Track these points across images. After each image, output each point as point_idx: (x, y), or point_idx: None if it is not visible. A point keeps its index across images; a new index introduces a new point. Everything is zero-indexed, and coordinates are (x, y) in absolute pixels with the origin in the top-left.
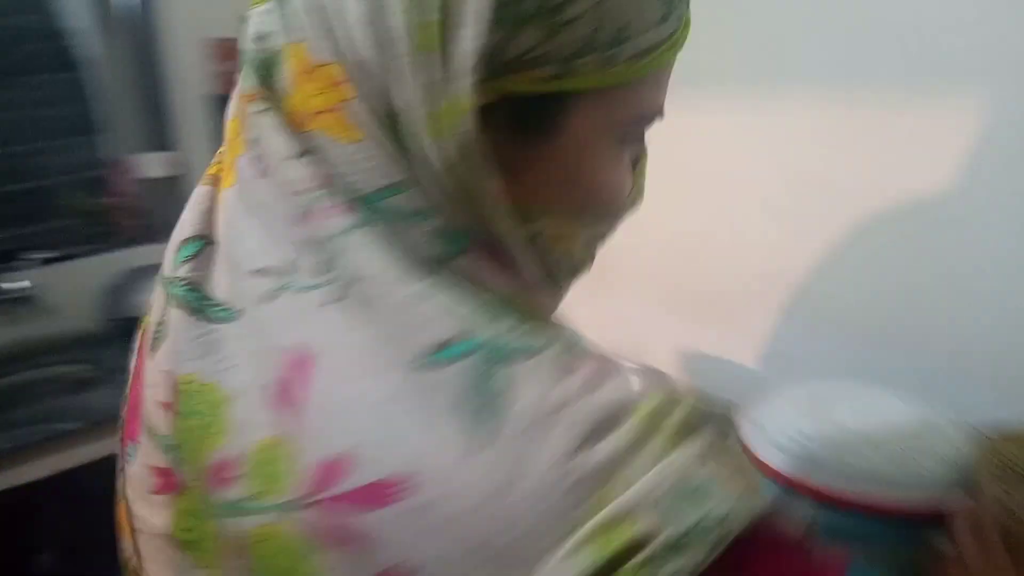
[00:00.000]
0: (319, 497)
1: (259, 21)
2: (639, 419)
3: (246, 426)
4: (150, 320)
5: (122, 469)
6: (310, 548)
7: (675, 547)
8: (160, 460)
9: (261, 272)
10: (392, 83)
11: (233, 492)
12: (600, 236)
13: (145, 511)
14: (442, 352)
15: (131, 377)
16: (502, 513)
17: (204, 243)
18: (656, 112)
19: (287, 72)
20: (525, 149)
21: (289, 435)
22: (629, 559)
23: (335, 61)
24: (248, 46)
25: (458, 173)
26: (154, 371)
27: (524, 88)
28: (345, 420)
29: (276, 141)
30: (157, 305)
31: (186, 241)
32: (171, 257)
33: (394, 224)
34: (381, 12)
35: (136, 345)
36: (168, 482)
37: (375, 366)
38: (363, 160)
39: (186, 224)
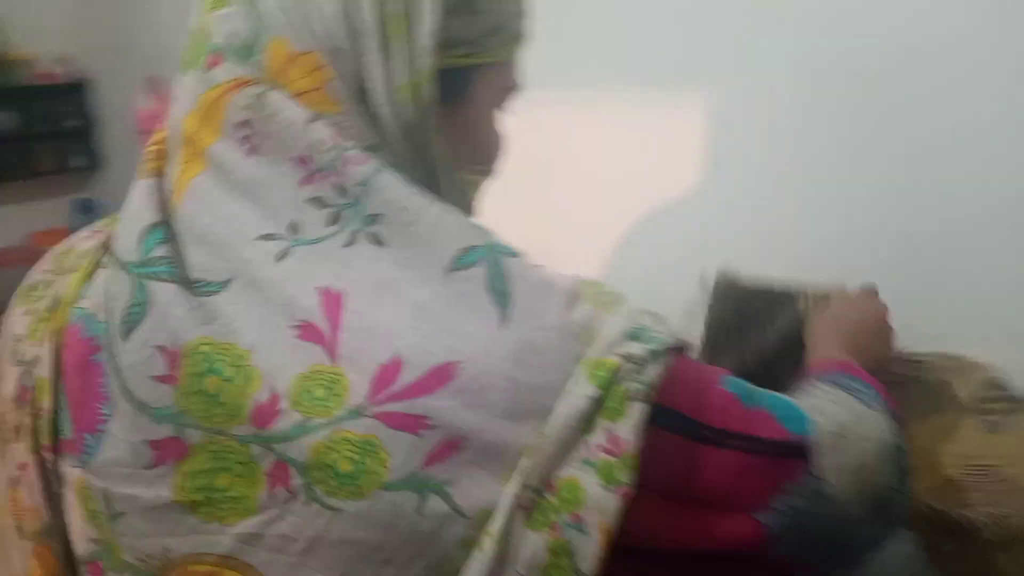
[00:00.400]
0: (379, 398)
1: (228, 20)
2: (588, 294)
3: (276, 368)
4: (83, 307)
5: (54, 473)
6: (377, 441)
7: (644, 364)
8: (156, 433)
9: (265, 237)
10: (364, 65)
11: (283, 423)
12: (482, 186)
13: (133, 490)
14: (466, 256)
15: (55, 377)
16: (526, 373)
17: (167, 228)
18: (518, 85)
19: (270, 61)
20: (447, 114)
21: (322, 360)
22: (618, 379)
23: (314, 50)
24: (221, 42)
25: (415, 135)
26: (135, 350)
27: (449, 62)
28: (383, 334)
29: (291, 111)
30: (120, 293)
31: (151, 228)
32: (134, 245)
33: (393, 170)
34: (355, 6)
35: (45, 349)
36: (170, 451)
37: (411, 280)
38: (347, 128)
39: (142, 214)
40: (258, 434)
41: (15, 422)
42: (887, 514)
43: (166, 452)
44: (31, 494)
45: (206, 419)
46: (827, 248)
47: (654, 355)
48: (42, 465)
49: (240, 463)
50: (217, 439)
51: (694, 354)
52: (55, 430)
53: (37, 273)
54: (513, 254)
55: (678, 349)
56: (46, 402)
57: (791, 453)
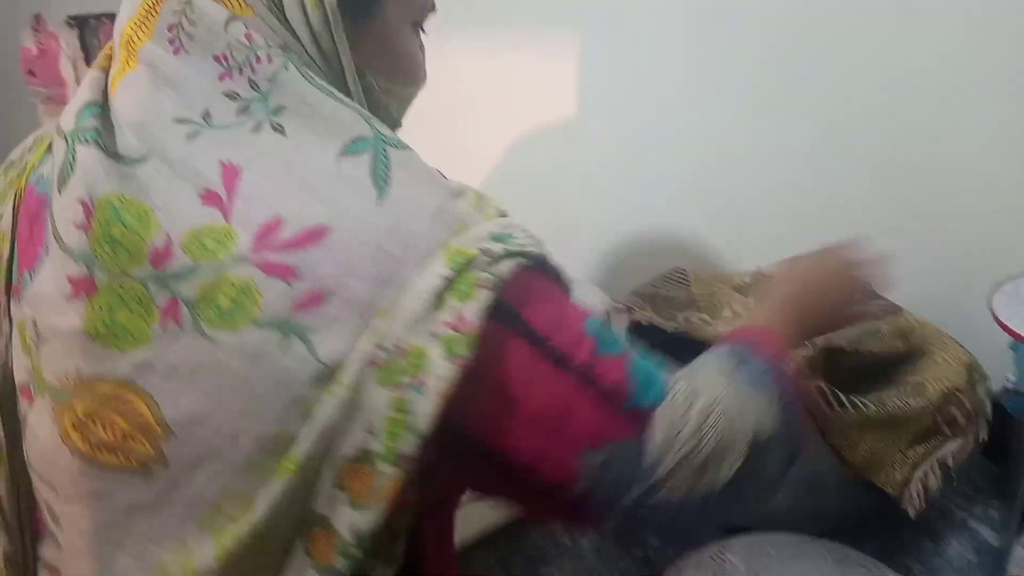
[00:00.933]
0: (258, 249)
1: None
2: (473, 197)
3: (174, 221)
4: (40, 172)
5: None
6: (253, 284)
7: (498, 260)
8: (74, 270)
9: (181, 121)
10: None
11: (176, 265)
12: (406, 100)
13: (55, 318)
14: (356, 144)
15: (13, 229)
16: (393, 243)
17: (102, 108)
18: (432, 5)
19: None
20: (356, 26)
21: (217, 220)
22: (472, 267)
23: None
24: None
25: (323, 40)
26: (65, 201)
27: None
28: (273, 198)
29: (213, 11)
30: (57, 155)
31: (87, 104)
32: (73, 116)
33: (298, 67)
34: None
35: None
36: (82, 287)
37: (302, 162)
38: (259, 30)
39: (85, 93)
40: (154, 274)
41: None
42: (715, 507)
43: (79, 288)
44: None
45: (111, 261)
46: (701, 181)
47: (510, 254)
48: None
49: (137, 301)
50: (119, 279)
51: (568, 283)
52: (9, 276)
53: (18, 150)
54: (399, 146)
55: (541, 263)
56: (5, 251)
57: (626, 412)
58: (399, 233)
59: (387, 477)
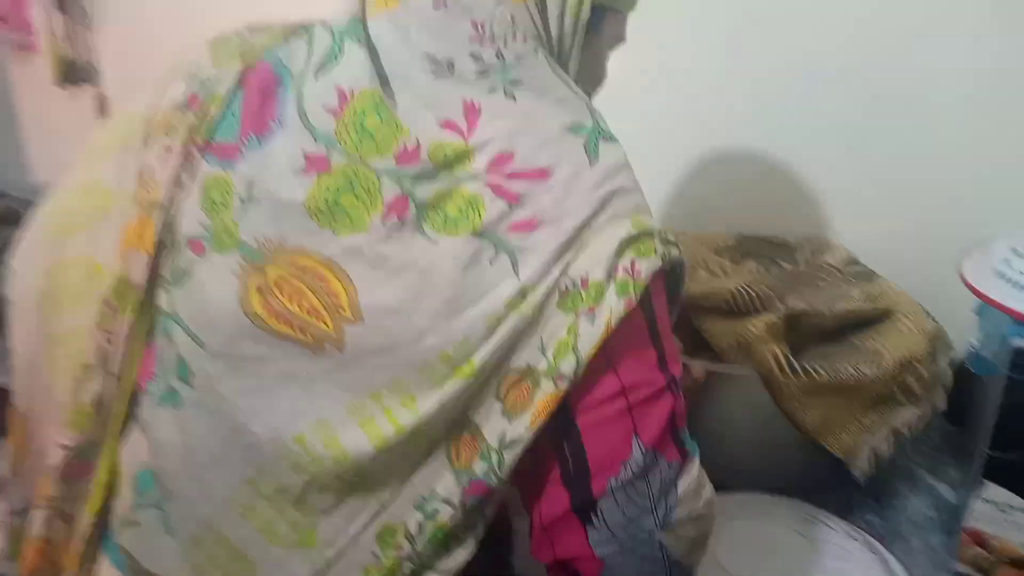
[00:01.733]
0: (491, 172)
1: None
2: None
3: (421, 130)
4: (277, 54)
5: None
6: (481, 200)
7: (671, 245)
8: (311, 148)
9: (427, 56)
10: None
11: (419, 167)
12: None
13: (277, 185)
14: (577, 127)
15: (231, 94)
16: (597, 195)
17: (364, 26)
18: (624, 39)
19: None
20: (583, 41)
21: (458, 141)
22: (651, 235)
23: None
24: None
25: (567, 41)
26: (320, 86)
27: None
28: (508, 136)
29: None
30: (321, 47)
31: (355, 17)
32: (343, 19)
33: (546, 55)
34: None
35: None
36: (316, 164)
37: (537, 120)
38: (522, 17)
39: (350, 5)
40: (394, 169)
41: (169, 122)
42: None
43: (313, 164)
44: (162, 172)
45: (354, 148)
46: (681, 146)
47: (677, 246)
48: (186, 155)
49: (366, 189)
50: (356, 166)
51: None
52: (211, 133)
53: (229, 32)
54: (612, 139)
55: (681, 279)
56: (214, 110)
57: (676, 439)
58: (601, 192)
59: (543, 392)
